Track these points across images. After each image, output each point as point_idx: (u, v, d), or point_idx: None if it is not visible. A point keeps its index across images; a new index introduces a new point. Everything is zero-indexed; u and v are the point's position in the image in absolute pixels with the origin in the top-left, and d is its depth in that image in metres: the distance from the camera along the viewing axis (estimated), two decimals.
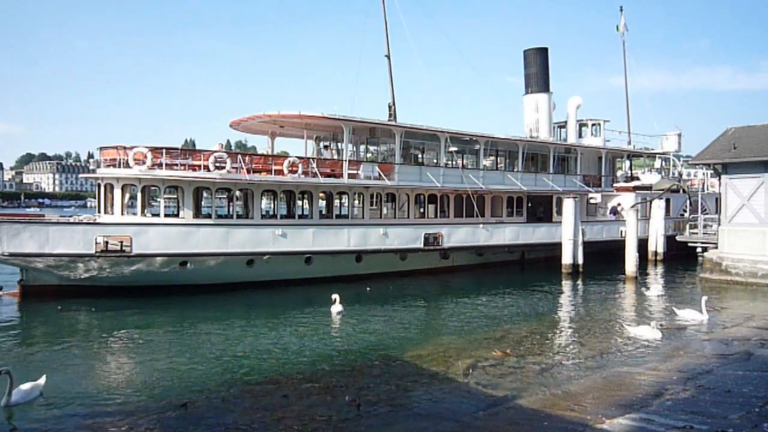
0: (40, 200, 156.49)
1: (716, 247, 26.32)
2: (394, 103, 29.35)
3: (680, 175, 43.87)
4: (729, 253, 25.17)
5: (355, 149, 31.11)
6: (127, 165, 20.94)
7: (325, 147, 30.50)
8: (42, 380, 10.53)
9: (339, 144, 30.28)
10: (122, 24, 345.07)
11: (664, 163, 43.68)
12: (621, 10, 44.77)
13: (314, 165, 23.96)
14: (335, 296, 18.33)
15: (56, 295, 19.66)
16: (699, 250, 29.60)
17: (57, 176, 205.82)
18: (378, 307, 19.93)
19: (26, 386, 10.27)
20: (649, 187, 36.15)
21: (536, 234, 30.37)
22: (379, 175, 25.65)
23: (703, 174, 44.87)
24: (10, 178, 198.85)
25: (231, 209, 24.21)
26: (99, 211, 23.17)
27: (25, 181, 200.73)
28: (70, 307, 18.71)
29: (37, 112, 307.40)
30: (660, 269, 30.73)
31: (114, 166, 21.54)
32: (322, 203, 27.61)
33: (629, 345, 14.70)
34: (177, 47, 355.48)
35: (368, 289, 22.38)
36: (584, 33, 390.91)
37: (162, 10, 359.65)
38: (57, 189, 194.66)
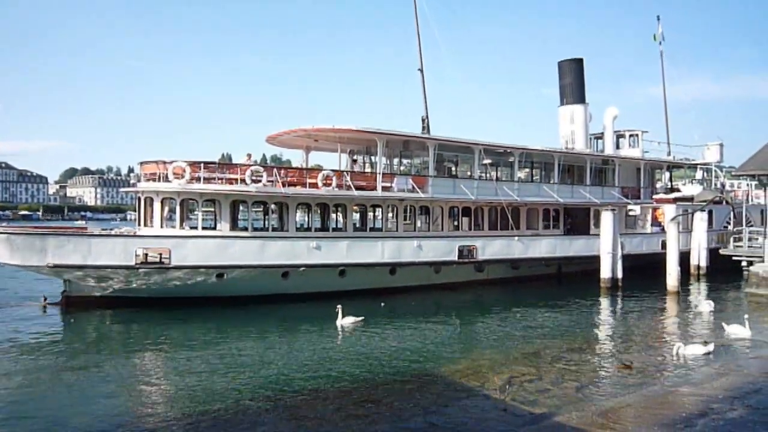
0: (83, 213, 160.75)
1: (762, 261, 25.46)
2: (427, 116, 29.31)
3: (723, 186, 42.64)
4: None
5: (388, 162, 31.18)
6: (166, 179, 21.42)
7: (354, 161, 30.60)
8: None
9: (372, 157, 30.40)
10: (167, 44, 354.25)
11: (705, 174, 42.53)
12: (658, 19, 44.00)
13: (348, 178, 24.09)
14: (339, 307, 18.19)
15: (97, 306, 20.20)
16: (744, 263, 28.64)
17: (98, 190, 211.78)
18: (411, 321, 19.77)
19: None
20: (690, 199, 35.25)
21: (573, 247, 29.87)
22: (413, 187, 25.62)
23: (748, 185, 43.55)
24: (54, 191, 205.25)
25: (267, 222, 24.47)
26: (138, 224, 23.74)
27: (68, 194, 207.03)
28: (105, 319, 19.15)
29: (80, 127, 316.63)
30: (703, 284, 29.82)
31: (154, 180, 22.05)
32: (356, 216, 27.71)
33: (671, 362, 14.27)
34: (213, 63, 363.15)
35: (382, 304, 21.77)
36: (620, 43, 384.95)
37: (200, 28, 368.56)
38: (98, 202, 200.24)
